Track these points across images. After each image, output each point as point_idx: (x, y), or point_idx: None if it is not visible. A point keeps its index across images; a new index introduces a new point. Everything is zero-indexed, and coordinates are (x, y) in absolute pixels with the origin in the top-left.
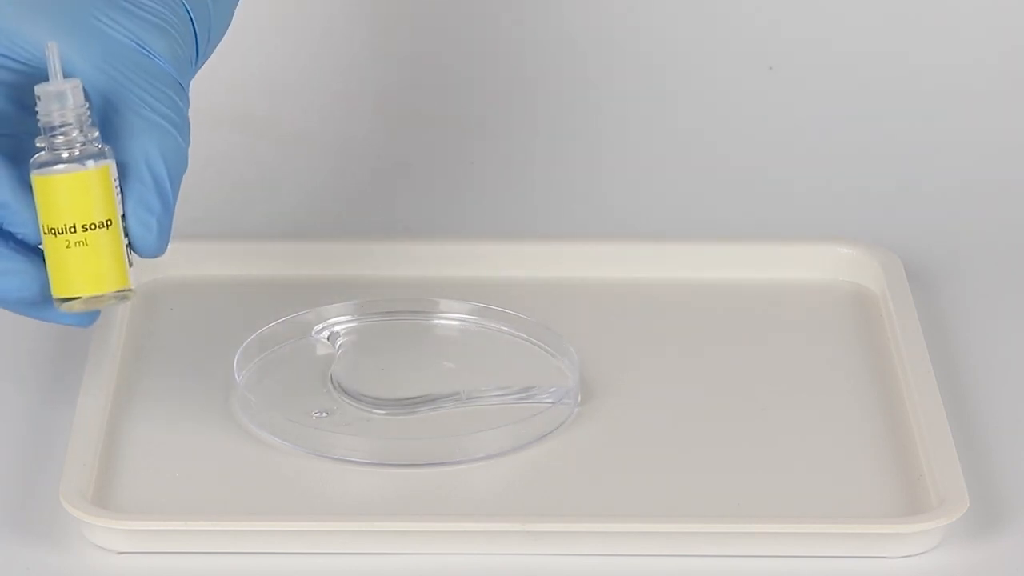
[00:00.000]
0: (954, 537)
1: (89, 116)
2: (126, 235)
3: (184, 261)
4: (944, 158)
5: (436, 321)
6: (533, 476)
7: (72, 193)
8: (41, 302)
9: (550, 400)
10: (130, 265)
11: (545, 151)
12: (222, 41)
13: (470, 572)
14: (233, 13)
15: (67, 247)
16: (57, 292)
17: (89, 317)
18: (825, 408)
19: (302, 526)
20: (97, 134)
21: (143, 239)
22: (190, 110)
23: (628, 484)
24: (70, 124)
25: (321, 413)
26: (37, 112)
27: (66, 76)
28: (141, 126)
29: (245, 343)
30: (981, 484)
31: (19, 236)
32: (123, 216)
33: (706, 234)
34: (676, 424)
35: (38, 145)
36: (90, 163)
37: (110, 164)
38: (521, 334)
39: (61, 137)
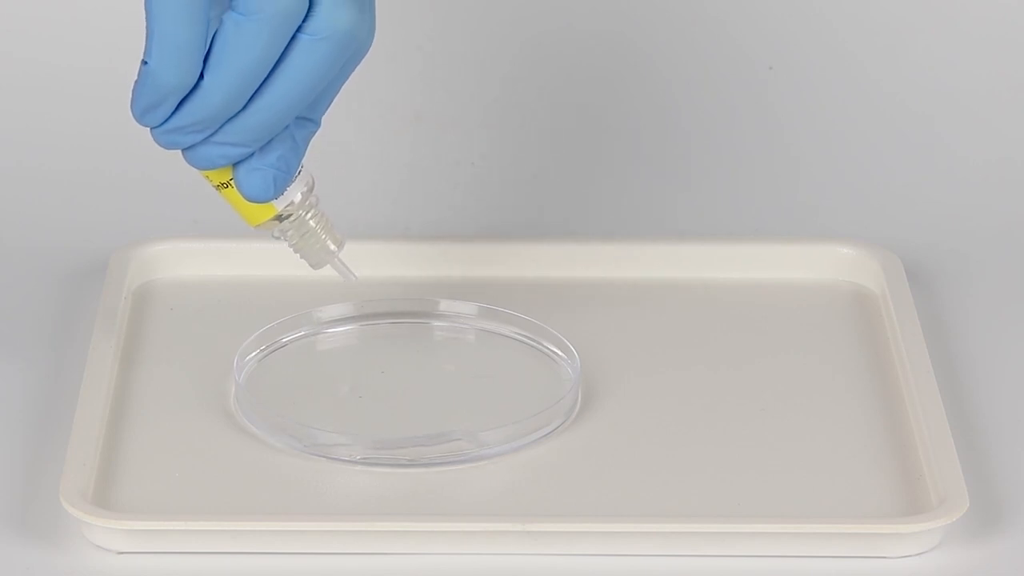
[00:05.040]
0: (954, 537)
1: None
2: None
3: (184, 261)
4: (944, 158)
5: (436, 322)
6: (533, 476)
7: None
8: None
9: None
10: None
11: (544, 151)
12: None
13: (470, 572)
14: None
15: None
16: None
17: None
18: (825, 408)
19: (302, 526)
20: None
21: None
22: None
23: (628, 484)
24: None
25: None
26: None
27: None
28: None
29: (245, 343)
30: (981, 484)
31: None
32: None
33: (706, 234)
34: (676, 424)
35: None
36: None
37: None
38: (522, 334)
39: None
